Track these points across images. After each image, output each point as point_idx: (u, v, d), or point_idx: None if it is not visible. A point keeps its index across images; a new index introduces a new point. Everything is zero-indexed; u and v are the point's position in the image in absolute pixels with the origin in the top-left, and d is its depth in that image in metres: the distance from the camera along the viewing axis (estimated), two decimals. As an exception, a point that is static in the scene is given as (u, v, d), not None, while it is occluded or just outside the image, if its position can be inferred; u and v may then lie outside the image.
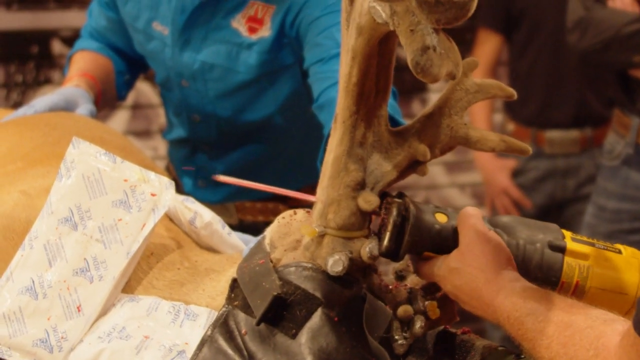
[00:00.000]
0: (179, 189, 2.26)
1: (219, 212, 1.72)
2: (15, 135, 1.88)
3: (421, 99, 4.11)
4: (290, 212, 1.45)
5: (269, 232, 1.45)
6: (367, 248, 1.35)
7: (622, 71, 2.89)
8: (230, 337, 1.37)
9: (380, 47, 1.29)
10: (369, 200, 1.35)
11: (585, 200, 3.33)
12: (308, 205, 1.44)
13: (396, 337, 1.36)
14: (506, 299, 1.26)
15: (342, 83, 1.32)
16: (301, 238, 1.40)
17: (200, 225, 1.60)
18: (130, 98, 3.54)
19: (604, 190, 3.03)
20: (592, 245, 1.36)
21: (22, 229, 1.53)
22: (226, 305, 1.40)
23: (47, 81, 3.69)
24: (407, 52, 1.17)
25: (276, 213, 2.21)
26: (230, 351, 1.36)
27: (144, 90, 3.76)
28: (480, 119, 3.52)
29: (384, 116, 1.35)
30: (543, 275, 1.34)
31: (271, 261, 1.39)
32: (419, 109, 4.06)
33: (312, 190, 1.43)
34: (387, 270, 1.50)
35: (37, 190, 1.60)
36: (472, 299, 1.30)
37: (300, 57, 2.03)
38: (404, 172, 1.38)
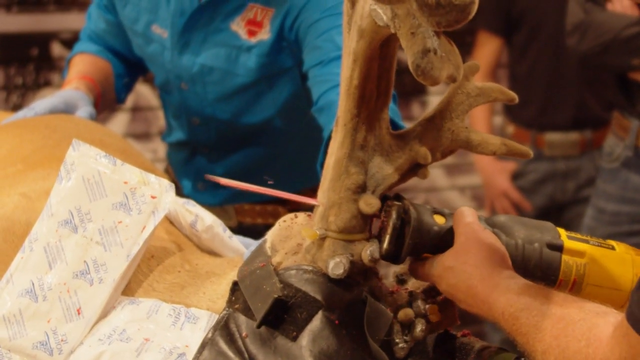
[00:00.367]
0: (178, 192, 2.26)
1: (218, 215, 1.71)
2: (15, 138, 1.88)
3: (421, 101, 4.11)
4: (291, 215, 1.46)
5: (270, 235, 1.45)
6: (367, 251, 1.35)
7: (622, 74, 2.89)
8: (231, 339, 1.37)
9: (381, 51, 1.29)
10: (370, 203, 1.35)
11: (584, 202, 3.34)
12: (308, 208, 1.44)
13: (397, 340, 1.36)
14: (501, 296, 1.26)
15: (343, 86, 1.32)
16: (302, 241, 1.40)
17: (201, 228, 1.60)
18: (130, 100, 3.53)
19: (604, 193, 3.03)
20: (587, 242, 1.38)
21: (22, 232, 1.53)
22: (227, 309, 1.40)
23: (47, 84, 3.69)
24: (407, 54, 1.17)
25: (275, 215, 2.22)
26: (231, 354, 1.36)
27: (143, 92, 3.76)
28: (480, 121, 3.52)
29: (385, 119, 1.35)
30: (542, 274, 1.35)
31: (272, 264, 1.39)
32: (418, 112, 4.06)
33: (311, 193, 1.43)
34: (388, 273, 1.50)
35: (37, 192, 1.60)
36: (468, 297, 1.31)
37: (300, 60, 2.03)
38: (405, 175, 1.38)
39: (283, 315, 1.34)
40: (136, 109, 3.80)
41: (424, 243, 1.36)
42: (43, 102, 2.10)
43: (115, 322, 1.45)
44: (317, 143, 1.72)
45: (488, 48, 3.59)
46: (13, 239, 1.53)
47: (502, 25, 3.57)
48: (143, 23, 2.20)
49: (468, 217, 1.35)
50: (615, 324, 1.14)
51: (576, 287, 1.36)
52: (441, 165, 4.17)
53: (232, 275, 1.45)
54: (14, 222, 1.55)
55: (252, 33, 2.08)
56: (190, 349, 1.39)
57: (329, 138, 1.39)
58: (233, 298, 1.40)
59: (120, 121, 3.80)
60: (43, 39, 3.67)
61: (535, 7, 3.50)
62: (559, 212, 3.57)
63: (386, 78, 1.33)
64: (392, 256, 1.36)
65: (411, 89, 3.94)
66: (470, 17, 1.11)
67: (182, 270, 1.52)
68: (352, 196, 1.35)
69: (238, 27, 2.09)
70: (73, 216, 1.49)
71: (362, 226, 1.37)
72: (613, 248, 1.39)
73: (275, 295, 1.34)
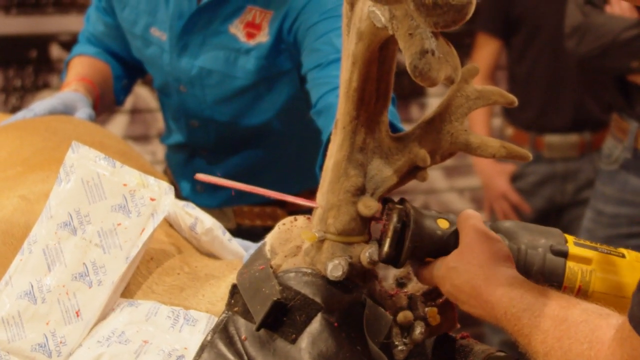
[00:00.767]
0: (177, 194, 2.26)
1: (217, 217, 1.71)
2: (15, 140, 1.88)
3: (420, 103, 4.11)
4: (290, 218, 1.46)
5: (269, 238, 1.45)
6: (366, 253, 1.35)
7: (621, 76, 2.90)
8: (230, 342, 1.37)
9: (380, 53, 1.29)
10: (368, 206, 1.35)
11: (584, 204, 3.33)
12: (307, 210, 1.44)
13: (396, 342, 1.36)
14: (504, 296, 1.26)
15: (342, 88, 1.32)
16: (301, 244, 1.40)
17: (201, 231, 1.60)
18: (129, 103, 3.54)
19: (602, 195, 3.03)
20: (595, 249, 1.36)
21: (21, 234, 1.53)
22: (226, 311, 1.40)
23: (46, 86, 3.69)
24: (405, 55, 1.17)
25: (274, 218, 2.22)
26: (230, 356, 1.36)
27: (142, 94, 3.76)
28: (479, 123, 3.52)
29: (384, 122, 1.35)
30: (545, 279, 1.33)
31: (271, 267, 1.39)
32: (417, 114, 4.06)
33: (310, 195, 1.43)
34: (387, 275, 1.50)
35: (37, 195, 1.60)
36: (471, 297, 1.30)
37: (298, 63, 2.03)
38: (404, 178, 1.38)
39: (282, 318, 1.34)
40: (135, 111, 3.80)
41: (425, 247, 1.36)
42: (42, 103, 2.10)
43: (114, 324, 1.45)
44: (316, 145, 1.72)
45: (487, 50, 3.59)
46: (12, 241, 1.53)
47: (501, 27, 3.57)
48: (142, 26, 2.20)
49: (473, 219, 1.35)
50: (617, 327, 1.13)
51: (582, 294, 1.34)
52: (440, 167, 4.17)
53: (232, 278, 1.45)
54: (13, 225, 1.55)
55: (250, 35, 2.08)
56: (189, 352, 1.39)
57: (328, 141, 1.39)
58: (232, 301, 1.40)
59: (119, 123, 3.80)
60: (42, 41, 3.67)
61: (534, 9, 3.50)
62: (558, 214, 3.57)
63: (385, 80, 1.33)
64: (392, 259, 1.36)
65: (410, 91, 3.94)
66: (468, 17, 1.11)
67: (182, 273, 1.52)
68: (351, 198, 1.35)
69: (237, 29, 2.09)
70: (72, 218, 1.49)
71: (361, 228, 1.37)
72: (623, 256, 1.36)
73: (275, 298, 1.34)
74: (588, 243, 1.37)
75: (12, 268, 1.49)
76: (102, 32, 2.33)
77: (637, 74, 2.83)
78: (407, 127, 1.43)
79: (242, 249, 1.62)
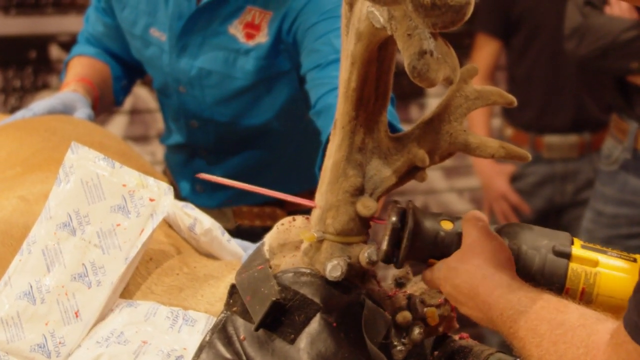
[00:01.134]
0: (176, 194, 2.26)
1: (216, 217, 1.72)
2: (15, 141, 1.88)
3: (419, 104, 4.11)
4: (289, 218, 1.46)
5: (268, 238, 1.45)
6: (365, 253, 1.35)
7: (620, 77, 2.90)
8: (228, 342, 1.37)
9: (379, 53, 1.29)
10: (367, 206, 1.35)
11: (583, 205, 3.33)
12: (307, 210, 1.44)
13: (395, 343, 1.36)
14: (501, 297, 1.25)
15: (341, 88, 1.32)
16: (300, 244, 1.40)
17: (199, 231, 1.60)
18: (128, 103, 3.54)
19: (602, 195, 3.03)
20: (604, 253, 1.33)
21: (20, 235, 1.53)
22: (225, 311, 1.40)
23: (45, 86, 3.69)
24: (404, 56, 1.17)
25: (273, 218, 2.22)
26: (229, 356, 1.36)
27: (141, 95, 3.76)
28: (479, 124, 3.52)
29: (383, 122, 1.35)
30: (545, 280, 1.31)
31: (270, 267, 1.39)
32: (417, 114, 4.06)
33: (309, 196, 1.43)
34: (386, 275, 1.50)
35: (36, 195, 1.60)
36: (469, 298, 1.29)
37: (298, 63, 2.03)
38: (403, 178, 1.38)
39: (281, 318, 1.34)
40: (134, 112, 3.80)
41: (426, 247, 1.35)
42: (41, 103, 2.10)
43: (113, 325, 1.45)
44: (316, 146, 1.72)
45: (486, 50, 3.59)
46: (11, 241, 1.53)
47: (501, 28, 3.57)
48: (141, 26, 2.20)
49: (477, 220, 1.34)
50: (613, 331, 1.12)
51: (586, 296, 1.31)
52: (440, 168, 4.17)
53: (230, 278, 1.45)
54: (12, 225, 1.55)
55: (250, 36, 2.08)
56: (188, 352, 1.39)
57: (327, 141, 1.39)
58: (231, 301, 1.40)
59: (118, 124, 3.80)
60: (41, 42, 3.67)
61: (533, 10, 3.50)
62: (558, 214, 3.56)
63: (384, 81, 1.33)
64: (390, 258, 1.36)
65: (410, 91, 3.94)
66: (466, 18, 1.11)
67: (181, 273, 1.52)
68: (349, 199, 1.35)
69: (236, 30, 2.09)
70: (71, 219, 1.49)
71: (360, 229, 1.37)
72: (635, 260, 1.32)
73: (273, 298, 1.34)
74: (598, 247, 1.34)
75: (11, 268, 1.49)
76: (101, 32, 2.33)
77: (636, 75, 2.83)
78: (406, 128, 1.43)
79: (241, 249, 1.62)
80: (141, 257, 1.51)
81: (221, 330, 1.38)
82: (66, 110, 2.10)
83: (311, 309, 1.34)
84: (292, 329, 1.34)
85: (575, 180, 3.54)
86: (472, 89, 1.40)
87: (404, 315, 1.37)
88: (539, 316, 1.19)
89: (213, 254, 1.62)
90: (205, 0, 2.08)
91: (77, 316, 1.45)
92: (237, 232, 2.19)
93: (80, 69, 2.29)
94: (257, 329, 1.34)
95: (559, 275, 1.32)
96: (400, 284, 1.46)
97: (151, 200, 1.50)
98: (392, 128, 1.45)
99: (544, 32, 3.49)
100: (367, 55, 1.27)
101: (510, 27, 3.56)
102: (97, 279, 1.46)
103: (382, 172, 1.36)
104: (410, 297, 1.40)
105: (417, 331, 1.37)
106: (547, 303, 1.21)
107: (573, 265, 1.32)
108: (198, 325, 1.43)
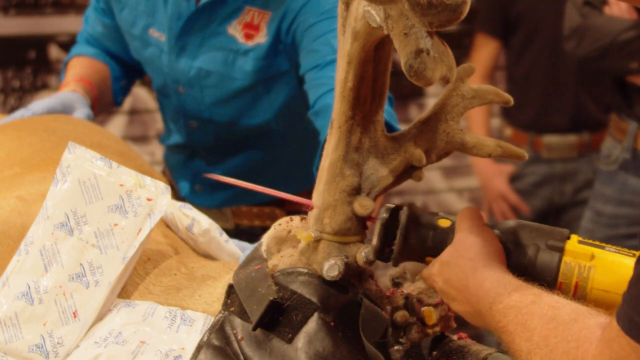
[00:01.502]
0: (176, 194, 2.26)
1: (215, 217, 1.72)
2: (13, 141, 1.88)
3: (419, 104, 4.11)
4: (286, 218, 1.46)
5: (265, 238, 1.45)
6: (362, 253, 1.35)
7: (620, 77, 2.90)
8: (226, 342, 1.37)
9: (376, 53, 1.29)
10: (364, 205, 1.35)
11: (583, 205, 3.33)
12: (305, 211, 1.44)
13: (392, 342, 1.36)
14: (490, 290, 1.23)
15: (338, 88, 1.32)
16: (297, 244, 1.40)
17: (197, 232, 1.60)
18: (127, 103, 3.54)
19: (602, 195, 3.03)
20: (602, 248, 1.31)
21: (17, 235, 1.53)
22: (223, 311, 1.40)
23: (44, 86, 3.69)
24: (400, 55, 1.17)
25: (272, 217, 2.22)
26: (227, 356, 1.36)
27: (141, 95, 3.76)
28: (478, 124, 3.52)
29: (380, 121, 1.35)
30: (537, 274, 1.30)
31: (268, 267, 1.39)
32: (416, 114, 4.06)
33: (308, 196, 1.43)
34: (384, 274, 1.50)
35: (34, 196, 1.60)
36: (458, 291, 1.28)
37: (296, 64, 2.03)
38: (400, 177, 1.38)
39: (278, 318, 1.34)
40: (134, 112, 3.81)
41: (422, 245, 1.35)
42: (40, 102, 2.10)
43: (111, 325, 1.45)
44: (314, 146, 1.72)
45: (485, 50, 3.59)
46: (9, 242, 1.53)
47: (500, 28, 3.57)
48: (140, 26, 2.20)
49: (470, 214, 1.33)
50: (605, 326, 1.11)
51: (580, 290, 1.29)
52: (439, 168, 4.17)
53: (228, 278, 1.45)
54: (10, 225, 1.55)
55: (249, 36, 2.08)
56: (186, 352, 1.39)
57: (326, 141, 1.39)
58: (229, 301, 1.40)
59: (117, 124, 3.80)
60: (40, 42, 3.68)
61: (532, 10, 3.50)
62: (557, 214, 3.56)
63: (381, 80, 1.33)
64: (383, 254, 1.35)
65: (409, 91, 3.94)
66: (462, 17, 1.10)
67: (178, 273, 1.52)
68: (346, 198, 1.35)
69: (235, 30, 2.09)
70: (69, 219, 1.49)
71: (357, 228, 1.37)
72: (634, 256, 1.30)
73: (271, 298, 1.34)
74: (597, 243, 1.32)
75: (9, 269, 1.49)
76: (100, 32, 2.33)
77: (636, 75, 2.83)
78: (404, 128, 1.43)
79: (238, 250, 1.62)
80: (139, 257, 1.51)
81: (219, 330, 1.38)
82: (65, 110, 2.10)
83: (309, 308, 1.34)
84: (290, 328, 1.34)
85: (574, 180, 3.54)
86: (469, 88, 1.40)
87: (402, 315, 1.37)
88: (530, 310, 1.18)
89: (211, 254, 1.62)
90: (204, 0, 2.08)
91: (75, 316, 1.45)
92: (236, 232, 2.19)
93: (80, 69, 2.29)
94: (254, 329, 1.34)
95: (551, 269, 1.30)
96: (397, 283, 1.46)
97: (148, 199, 1.50)
98: (390, 128, 1.45)
99: (543, 32, 3.49)
100: (363, 54, 1.27)
101: (510, 27, 3.56)
102: (94, 279, 1.46)
103: (379, 171, 1.36)
104: (407, 297, 1.40)
105: (414, 330, 1.37)
106: (538, 298, 1.20)
107: (566, 259, 1.30)
108: (196, 325, 1.43)
